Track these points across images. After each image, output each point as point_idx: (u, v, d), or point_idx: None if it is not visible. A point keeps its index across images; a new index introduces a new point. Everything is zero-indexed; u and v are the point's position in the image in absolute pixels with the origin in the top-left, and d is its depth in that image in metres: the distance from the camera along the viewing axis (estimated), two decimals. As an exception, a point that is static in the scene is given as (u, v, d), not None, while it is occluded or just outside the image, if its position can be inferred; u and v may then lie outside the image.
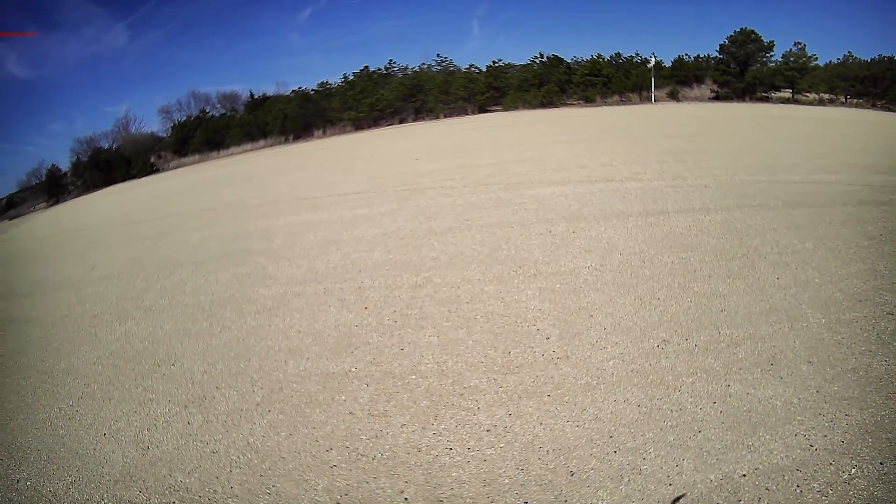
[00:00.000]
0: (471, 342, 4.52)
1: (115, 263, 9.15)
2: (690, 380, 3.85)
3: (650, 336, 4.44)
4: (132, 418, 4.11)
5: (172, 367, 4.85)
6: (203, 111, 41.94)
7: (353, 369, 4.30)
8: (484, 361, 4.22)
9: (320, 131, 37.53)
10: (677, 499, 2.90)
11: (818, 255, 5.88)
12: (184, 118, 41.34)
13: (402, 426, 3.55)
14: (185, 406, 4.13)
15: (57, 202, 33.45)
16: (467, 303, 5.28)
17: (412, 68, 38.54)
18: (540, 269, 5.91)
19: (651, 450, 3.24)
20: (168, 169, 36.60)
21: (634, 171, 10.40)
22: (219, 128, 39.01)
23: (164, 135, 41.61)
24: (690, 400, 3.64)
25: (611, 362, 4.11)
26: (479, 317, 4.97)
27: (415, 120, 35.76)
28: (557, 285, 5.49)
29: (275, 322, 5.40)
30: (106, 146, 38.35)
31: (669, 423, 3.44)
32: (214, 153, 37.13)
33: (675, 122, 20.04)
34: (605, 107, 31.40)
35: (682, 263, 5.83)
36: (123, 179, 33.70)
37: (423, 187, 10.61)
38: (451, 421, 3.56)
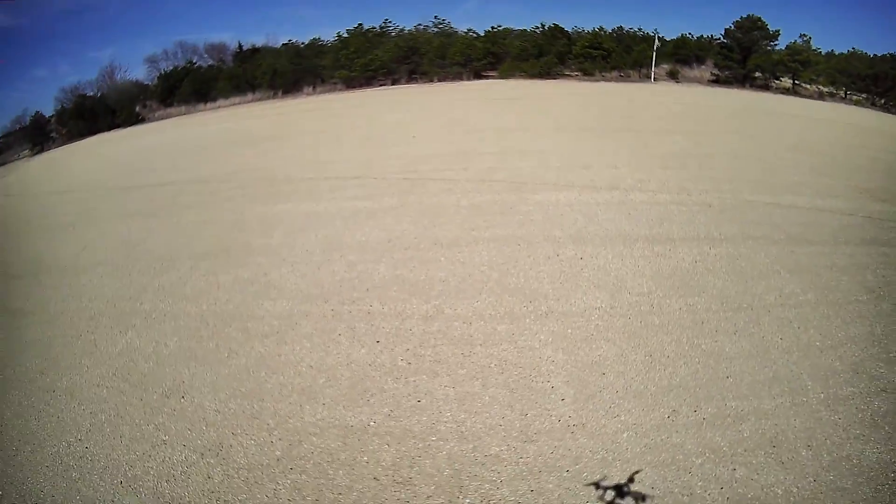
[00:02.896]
0: (487, 398, 4.67)
1: (107, 246, 8.95)
2: (699, 461, 4.09)
3: (661, 404, 4.65)
4: (148, 464, 4.13)
5: (182, 400, 4.87)
6: (190, 62, 40.83)
7: (372, 423, 4.42)
8: (503, 424, 4.38)
9: (310, 88, 36.99)
10: None
11: (819, 312, 6.12)
12: (170, 68, 40.58)
13: (427, 498, 3.70)
14: (203, 454, 4.18)
15: (41, 150, 32.87)
16: (480, 345, 5.41)
17: (408, 29, 38.02)
18: (551, 307, 6.04)
19: (664, 540, 3.48)
20: (154, 119, 35.99)
21: (639, 178, 10.51)
22: (206, 79, 38.27)
23: (151, 84, 40.83)
24: (700, 484, 3.89)
25: (625, 434, 4.32)
26: (493, 365, 5.11)
27: (408, 82, 35.21)
28: (569, 330, 5.64)
29: (284, 351, 5.43)
30: (91, 94, 37.58)
31: (681, 511, 3.68)
32: (201, 105, 36.50)
33: (677, 112, 20.04)
34: (603, 82, 31.06)
35: (690, 312, 6.03)
36: (108, 129, 33.18)
37: (424, 177, 10.54)
38: (476, 495, 3.73)
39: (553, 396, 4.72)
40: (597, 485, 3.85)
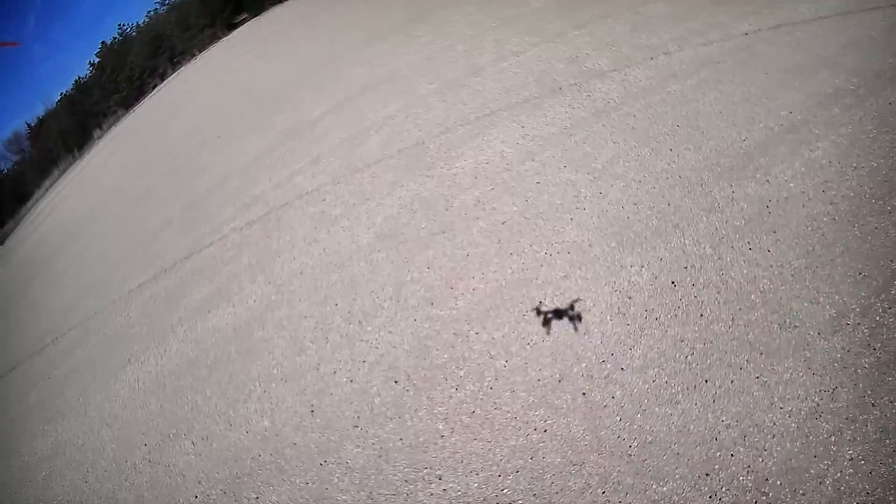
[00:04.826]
0: None
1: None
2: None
3: None
4: None
5: None
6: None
7: None
8: None
9: (98, 130, 32.95)
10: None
11: None
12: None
13: None
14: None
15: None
16: None
17: (133, 25, 34.09)
18: None
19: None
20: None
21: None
22: (15, 181, 35.21)
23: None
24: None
25: None
26: None
27: (174, 69, 30.06)
28: None
29: None
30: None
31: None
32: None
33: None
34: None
35: None
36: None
37: (278, 205, 6.00)
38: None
39: None
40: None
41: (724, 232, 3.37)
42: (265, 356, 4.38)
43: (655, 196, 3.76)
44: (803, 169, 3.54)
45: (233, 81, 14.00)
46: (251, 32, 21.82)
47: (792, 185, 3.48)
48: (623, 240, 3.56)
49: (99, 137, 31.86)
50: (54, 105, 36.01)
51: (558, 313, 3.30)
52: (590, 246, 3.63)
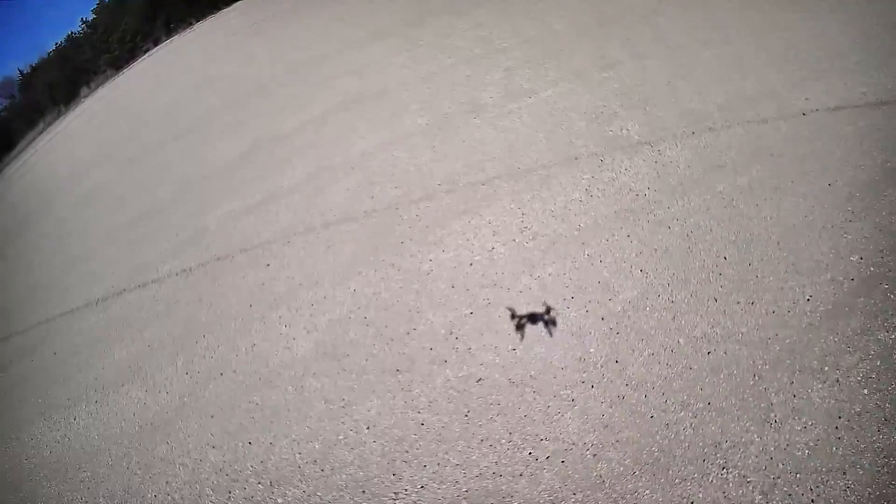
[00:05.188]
0: None
1: None
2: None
3: None
4: None
5: None
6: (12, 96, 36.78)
7: None
8: None
9: (86, 88, 31.25)
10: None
11: None
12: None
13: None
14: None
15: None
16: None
17: None
18: None
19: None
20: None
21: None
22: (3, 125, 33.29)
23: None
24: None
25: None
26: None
27: (168, 35, 28.23)
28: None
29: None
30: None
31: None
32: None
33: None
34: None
35: None
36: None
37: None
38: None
39: None
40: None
41: (781, 465, 2.30)
42: (163, 485, 3.32)
43: (691, 385, 2.65)
44: (878, 363, 2.49)
45: (221, 63, 12.71)
46: (253, 6, 20.07)
47: (866, 391, 2.42)
48: (641, 458, 2.46)
49: (85, 96, 29.49)
50: (47, 55, 34.55)
51: (533, 318, 3.14)
52: (593, 457, 2.52)
